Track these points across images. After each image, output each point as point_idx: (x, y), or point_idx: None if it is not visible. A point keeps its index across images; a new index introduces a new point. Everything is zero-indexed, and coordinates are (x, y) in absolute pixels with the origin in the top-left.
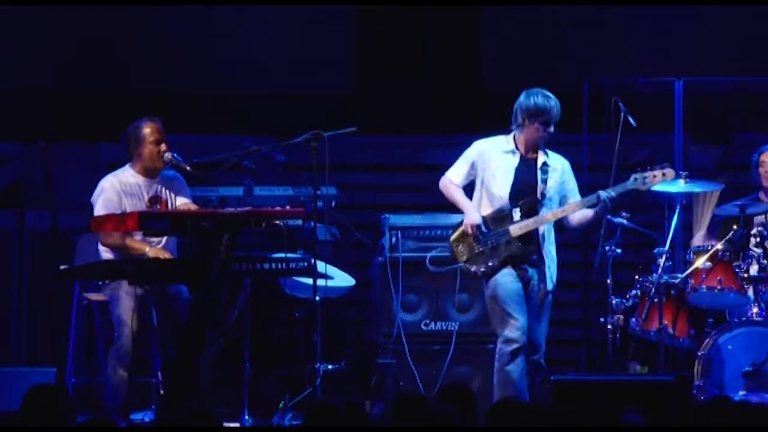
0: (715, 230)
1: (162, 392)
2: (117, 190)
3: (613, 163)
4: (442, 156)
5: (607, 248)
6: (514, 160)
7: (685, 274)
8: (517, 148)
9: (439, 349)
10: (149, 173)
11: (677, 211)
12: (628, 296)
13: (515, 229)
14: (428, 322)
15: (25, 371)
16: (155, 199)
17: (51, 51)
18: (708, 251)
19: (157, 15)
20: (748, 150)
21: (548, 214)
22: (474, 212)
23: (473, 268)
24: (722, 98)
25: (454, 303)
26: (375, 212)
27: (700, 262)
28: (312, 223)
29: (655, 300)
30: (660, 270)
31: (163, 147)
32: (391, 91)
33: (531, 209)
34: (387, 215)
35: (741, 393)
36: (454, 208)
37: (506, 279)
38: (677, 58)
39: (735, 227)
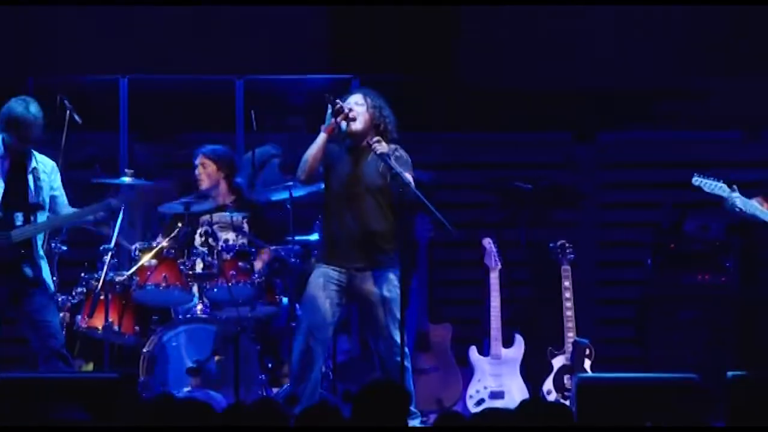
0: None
1: None
2: None
3: (59, 162)
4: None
5: (53, 245)
6: (4, 165)
7: (131, 271)
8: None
9: None
10: None
11: (123, 208)
12: (74, 293)
13: (17, 234)
14: None
15: None
16: None
17: None
18: (153, 248)
19: None
20: (193, 149)
21: (60, 217)
22: None
23: None
24: (167, 96)
25: None
26: None
27: (146, 259)
28: None
29: (101, 297)
30: (106, 267)
31: None
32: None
33: (29, 215)
34: None
35: (186, 390)
36: None
37: None
38: (122, 55)
39: (180, 225)
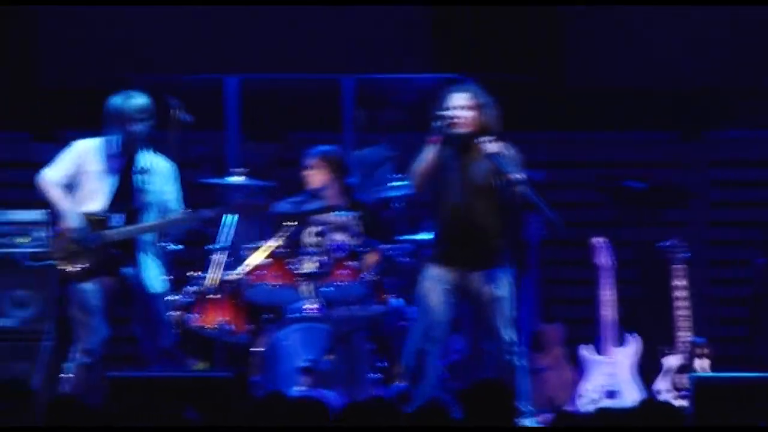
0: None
1: None
2: None
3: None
4: None
5: (165, 245)
6: (116, 164)
7: (243, 270)
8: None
9: None
10: None
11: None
12: (186, 292)
13: (112, 235)
14: None
15: None
16: None
17: None
18: (264, 248)
19: None
20: (302, 148)
21: (147, 225)
22: (72, 215)
23: (68, 268)
24: (277, 96)
25: (12, 299)
26: None
27: (257, 258)
28: None
29: (214, 296)
30: (219, 266)
31: None
32: None
33: (133, 216)
34: None
35: (298, 389)
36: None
37: (89, 288)
38: (229, 54)
39: (291, 224)
